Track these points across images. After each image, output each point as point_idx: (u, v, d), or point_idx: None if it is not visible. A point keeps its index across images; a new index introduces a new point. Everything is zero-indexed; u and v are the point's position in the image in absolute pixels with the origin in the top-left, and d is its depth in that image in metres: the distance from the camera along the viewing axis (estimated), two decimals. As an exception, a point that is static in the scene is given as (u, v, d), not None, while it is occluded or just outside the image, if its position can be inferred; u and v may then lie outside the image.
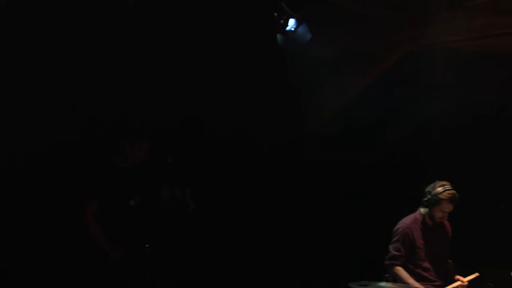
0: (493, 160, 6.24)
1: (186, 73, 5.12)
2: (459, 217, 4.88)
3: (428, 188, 4.73)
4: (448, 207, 4.68)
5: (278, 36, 5.62)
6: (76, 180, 4.47)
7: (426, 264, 4.77)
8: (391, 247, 4.77)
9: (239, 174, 5.47)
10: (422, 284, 4.63)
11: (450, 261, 4.98)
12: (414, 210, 4.90)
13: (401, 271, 4.68)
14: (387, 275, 4.09)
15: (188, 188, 4.57)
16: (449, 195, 4.62)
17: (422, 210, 4.82)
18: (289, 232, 5.60)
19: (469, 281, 4.74)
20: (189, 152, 5.08)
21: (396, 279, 4.61)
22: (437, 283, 4.74)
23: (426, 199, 4.73)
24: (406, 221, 4.84)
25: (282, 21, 5.51)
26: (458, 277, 4.77)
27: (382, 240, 4.86)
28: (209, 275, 5.21)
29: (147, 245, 4.43)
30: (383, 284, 4.00)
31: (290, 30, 5.59)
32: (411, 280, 4.62)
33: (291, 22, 5.54)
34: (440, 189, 4.65)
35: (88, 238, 4.35)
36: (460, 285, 4.70)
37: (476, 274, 4.77)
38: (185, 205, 4.56)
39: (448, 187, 4.66)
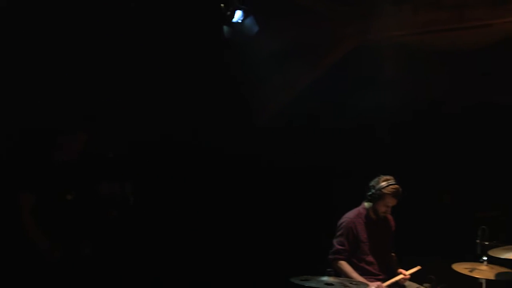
0: (435, 154, 6.35)
1: (126, 65, 4.95)
2: (401, 210, 4.94)
3: (372, 183, 4.75)
4: (391, 202, 4.70)
5: (225, 28, 5.51)
6: (11, 173, 4.27)
7: (370, 258, 4.79)
8: (335, 241, 4.77)
9: (181, 169, 5.33)
10: (365, 278, 4.64)
11: (393, 254, 5.03)
12: (358, 204, 4.91)
13: (345, 265, 4.68)
14: (328, 269, 4.06)
15: (127, 183, 4.42)
16: (393, 189, 4.65)
17: (366, 204, 4.83)
18: (229, 227, 5.52)
19: (411, 274, 4.81)
20: (131, 147, 4.92)
21: (340, 273, 4.60)
22: (380, 277, 4.76)
23: (370, 193, 4.75)
24: (350, 215, 4.84)
25: (228, 13, 5.41)
26: (400, 270, 4.82)
27: (324, 234, 4.86)
28: (150, 272, 5.07)
29: (84, 242, 4.28)
30: (324, 278, 3.97)
31: (237, 22, 5.49)
32: (354, 274, 4.63)
33: (238, 14, 5.44)
34: (384, 183, 4.67)
35: (24, 234, 4.15)
36: (403, 278, 4.75)
37: (418, 267, 4.83)
38: (125, 200, 4.42)
39: (392, 181, 4.69)
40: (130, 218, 4.59)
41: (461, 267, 4.82)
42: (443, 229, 6.47)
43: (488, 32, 6.16)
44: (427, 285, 4.97)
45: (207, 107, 5.44)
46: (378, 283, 4.60)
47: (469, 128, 7.16)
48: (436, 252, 5.19)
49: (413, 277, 4.85)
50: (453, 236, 6.09)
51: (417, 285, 4.81)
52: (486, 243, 4.95)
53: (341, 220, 4.84)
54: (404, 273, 4.77)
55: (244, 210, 5.67)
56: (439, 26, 5.44)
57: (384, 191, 4.65)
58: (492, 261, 4.85)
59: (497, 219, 6.99)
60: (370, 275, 4.71)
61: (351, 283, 4.09)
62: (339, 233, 4.78)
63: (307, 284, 3.92)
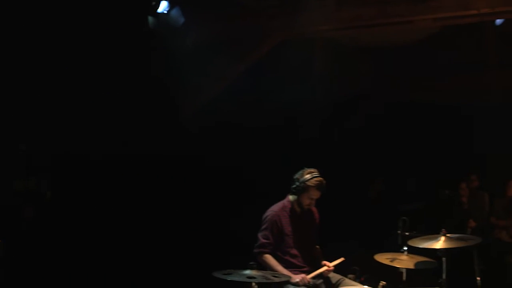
0: (360, 148, 6.48)
1: (44, 58, 4.71)
2: (326, 203, 4.99)
3: (296, 176, 4.76)
4: (315, 194, 4.73)
5: (150, 18, 5.38)
6: None
7: (295, 251, 4.79)
8: (259, 235, 4.75)
9: (100, 165, 5.14)
10: (290, 271, 4.65)
11: (318, 247, 5.07)
12: (282, 197, 4.91)
13: (269, 258, 4.67)
14: (251, 263, 4.03)
15: (44, 179, 4.23)
16: (317, 182, 4.67)
17: (291, 197, 4.84)
18: (152, 224, 5.40)
19: (335, 266, 4.86)
20: (47, 141, 4.69)
21: (265, 266, 4.59)
22: (305, 269, 4.78)
23: (294, 186, 4.76)
24: (274, 208, 4.83)
25: (154, 3, 5.28)
26: (324, 262, 4.86)
27: (249, 228, 4.84)
28: (70, 270, 4.87)
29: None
30: (247, 271, 3.94)
31: (162, 13, 5.38)
32: (279, 267, 4.62)
33: (164, 5, 5.32)
34: (308, 176, 4.69)
35: None
36: (326, 269, 4.79)
37: (341, 259, 4.89)
38: (41, 196, 4.22)
39: (315, 174, 4.72)
40: (48, 215, 4.39)
41: (383, 258, 4.92)
42: (367, 222, 6.62)
43: (411, 29, 6.34)
44: (351, 276, 5.05)
45: (129, 104, 5.23)
46: (303, 275, 4.62)
47: (392, 124, 7.37)
48: (359, 244, 5.28)
49: (338, 269, 4.91)
50: (376, 228, 6.24)
51: (341, 277, 4.86)
52: (407, 233, 5.11)
53: (266, 214, 4.82)
54: (328, 265, 4.81)
55: (167, 207, 5.55)
56: (362, 22, 5.54)
57: (308, 183, 4.67)
58: (412, 251, 5.01)
59: (417, 211, 7.25)
60: (295, 268, 4.72)
61: (273, 276, 4.09)
62: (263, 226, 4.76)
63: (229, 278, 3.88)
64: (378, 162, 7.22)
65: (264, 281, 3.94)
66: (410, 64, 7.82)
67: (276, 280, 4.05)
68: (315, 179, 4.68)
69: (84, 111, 4.92)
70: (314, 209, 5.00)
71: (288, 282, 4.59)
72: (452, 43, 7.70)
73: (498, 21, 7.06)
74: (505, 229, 7.26)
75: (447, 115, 7.66)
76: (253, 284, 3.93)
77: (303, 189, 4.70)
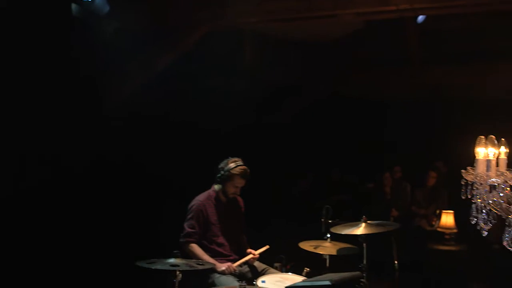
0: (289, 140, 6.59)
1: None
2: (252, 194, 5.05)
3: (221, 165, 4.80)
4: (240, 182, 4.79)
5: (73, 6, 5.24)
6: None
7: (221, 240, 4.83)
8: (185, 224, 4.75)
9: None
10: (216, 259, 4.68)
11: (244, 235, 5.13)
12: (208, 187, 4.93)
13: (195, 248, 4.69)
14: (175, 251, 4.03)
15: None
16: (241, 170, 4.73)
17: (216, 186, 4.88)
18: (77, 215, 5.27)
19: (260, 254, 4.93)
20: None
21: (191, 256, 4.60)
22: (231, 258, 4.82)
23: (219, 175, 4.79)
24: (200, 198, 4.85)
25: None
26: (249, 250, 4.92)
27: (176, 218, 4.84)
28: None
29: None
30: (171, 260, 3.94)
31: (87, 1, 5.25)
32: (205, 256, 4.65)
33: (88, -8, 5.20)
34: (232, 164, 4.75)
35: None
36: (252, 257, 4.85)
37: (266, 247, 4.97)
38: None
39: (240, 163, 4.77)
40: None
41: (307, 245, 5.06)
42: (294, 211, 6.77)
43: (336, 23, 6.50)
44: (277, 264, 5.14)
45: (47, 95, 5.02)
46: (229, 263, 4.66)
47: (318, 118, 7.54)
48: (285, 232, 5.37)
49: (264, 258, 4.99)
50: (302, 216, 6.37)
51: (266, 266, 4.94)
52: (330, 221, 5.26)
53: (192, 203, 4.83)
54: (254, 253, 4.88)
55: (92, 199, 5.44)
56: (288, 15, 5.61)
57: (233, 172, 4.72)
58: (335, 238, 5.17)
59: (343, 202, 7.47)
60: (221, 257, 4.76)
61: (197, 264, 4.11)
62: (189, 216, 4.77)
63: (153, 266, 3.88)
64: (305, 156, 7.37)
65: (188, 268, 3.96)
66: (336, 59, 8.01)
67: (200, 267, 4.07)
68: (240, 167, 4.74)
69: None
70: (239, 198, 5.06)
71: (213, 270, 4.63)
72: (378, 39, 7.93)
73: (420, 19, 7.36)
74: (425, 218, 7.60)
75: (370, 108, 7.91)
76: (177, 272, 3.93)
77: (228, 177, 4.75)
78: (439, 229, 7.17)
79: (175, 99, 5.75)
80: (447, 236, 7.04)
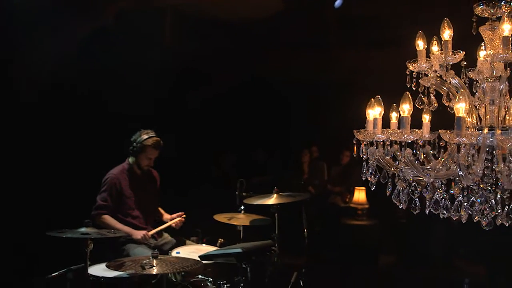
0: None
1: None
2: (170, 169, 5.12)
3: (134, 137, 4.83)
4: (153, 154, 4.84)
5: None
6: None
7: (136, 212, 4.87)
8: (98, 198, 4.77)
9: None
10: (131, 231, 4.73)
11: (160, 208, 5.19)
12: (123, 160, 4.95)
13: (108, 218, 4.70)
14: (86, 220, 4.03)
15: None
16: (154, 141, 4.79)
17: (130, 159, 4.91)
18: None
19: (178, 227, 5.00)
20: None
21: (104, 227, 4.60)
22: (147, 230, 4.86)
23: (132, 147, 4.83)
24: (114, 171, 4.87)
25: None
26: (163, 213, 5.14)
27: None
28: None
29: None
30: (82, 229, 3.94)
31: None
32: (119, 225, 4.68)
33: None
34: (144, 136, 4.80)
35: None
36: (170, 224, 4.94)
37: (181, 213, 5.06)
38: None
39: (152, 134, 4.83)
40: None
41: (221, 217, 5.20)
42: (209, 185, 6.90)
43: (256, 5, 6.60)
44: (194, 238, 5.25)
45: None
46: (144, 232, 4.71)
47: (237, 100, 7.65)
48: (201, 206, 5.46)
49: (181, 231, 5.07)
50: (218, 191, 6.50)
51: (182, 239, 5.02)
52: (244, 194, 5.41)
53: (105, 177, 4.84)
54: (168, 218, 5.01)
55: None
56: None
57: (145, 143, 4.77)
58: (250, 210, 5.33)
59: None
60: (136, 229, 4.79)
61: (109, 232, 4.13)
62: (102, 189, 4.78)
63: (64, 235, 3.87)
64: (226, 136, 7.47)
65: (99, 236, 3.97)
66: (257, 40, 8.12)
67: (112, 235, 4.10)
68: (152, 138, 4.80)
69: None
70: (155, 172, 5.12)
71: (129, 240, 4.67)
72: (297, 22, 8.09)
73: (337, 4, 7.58)
74: (339, 195, 7.91)
75: (290, 90, 8.07)
76: (89, 241, 3.93)
77: (140, 149, 4.79)
78: (352, 205, 7.51)
79: (89, 74, 5.67)
80: (359, 212, 7.38)
